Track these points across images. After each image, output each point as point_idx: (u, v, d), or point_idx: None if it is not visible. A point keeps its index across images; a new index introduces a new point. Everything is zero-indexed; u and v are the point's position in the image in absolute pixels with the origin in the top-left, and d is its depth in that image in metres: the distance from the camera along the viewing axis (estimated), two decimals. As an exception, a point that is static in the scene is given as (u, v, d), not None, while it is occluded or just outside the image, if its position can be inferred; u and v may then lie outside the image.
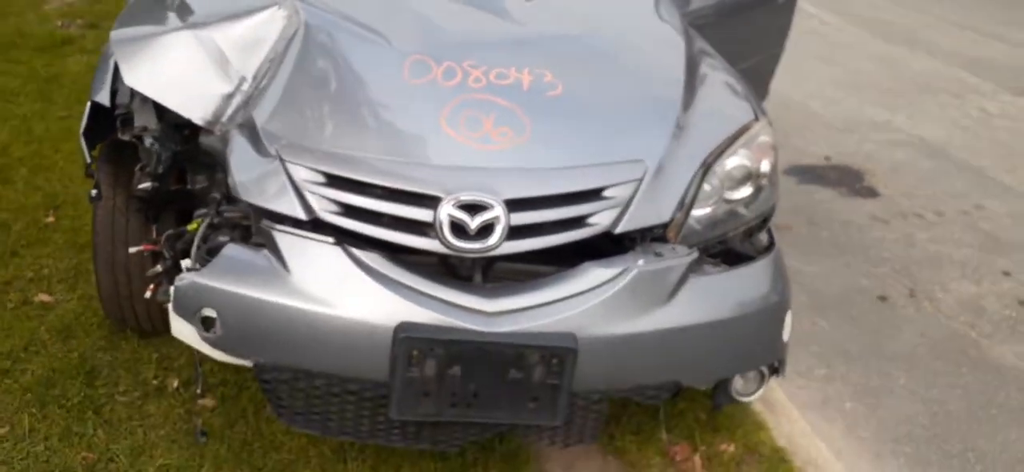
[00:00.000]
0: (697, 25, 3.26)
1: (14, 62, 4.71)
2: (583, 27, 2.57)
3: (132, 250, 2.22)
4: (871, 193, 4.42)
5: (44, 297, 2.77)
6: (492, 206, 1.86)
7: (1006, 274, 3.72)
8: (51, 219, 3.24)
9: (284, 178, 1.88)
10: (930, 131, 5.37)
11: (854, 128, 5.32)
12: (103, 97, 2.08)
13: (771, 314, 2.10)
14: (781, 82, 5.88)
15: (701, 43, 2.67)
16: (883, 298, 3.46)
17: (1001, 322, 3.36)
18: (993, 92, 6.28)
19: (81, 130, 2.07)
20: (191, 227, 2.01)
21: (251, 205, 1.92)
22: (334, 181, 1.89)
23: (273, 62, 2.10)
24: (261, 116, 1.98)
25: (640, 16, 2.76)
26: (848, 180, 4.54)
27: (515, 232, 1.88)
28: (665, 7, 2.85)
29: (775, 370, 2.19)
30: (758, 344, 2.10)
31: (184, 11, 2.29)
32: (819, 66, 6.58)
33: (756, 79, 4.12)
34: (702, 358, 2.01)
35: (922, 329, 3.27)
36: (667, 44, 2.56)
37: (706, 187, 2.09)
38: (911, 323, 3.31)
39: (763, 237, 2.26)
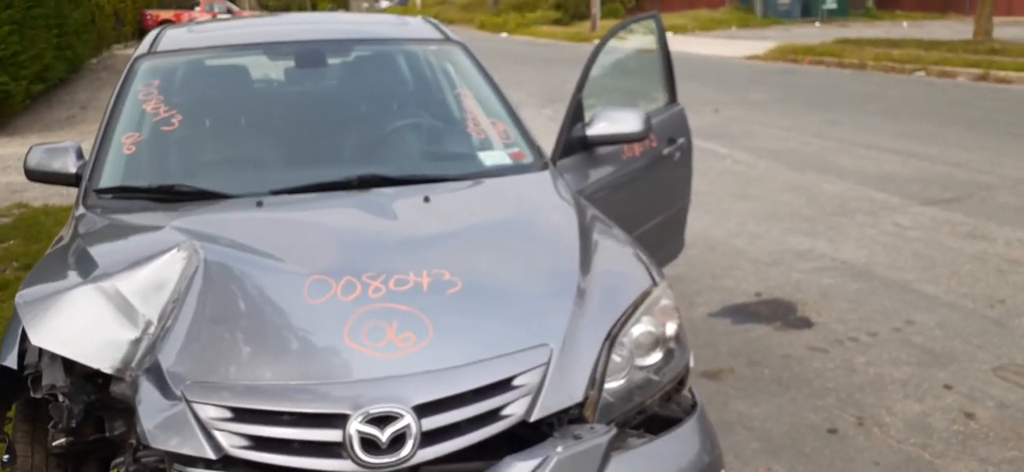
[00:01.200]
0: (599, 196, 3.35)
1: (-59, 311, 4.55)
2: (477, 219, 2.62)
3: None
4: (805, 323, 4.46)
5: None
6: (401, 415, 1.82)
7: (947, 387, 3.74)
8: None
9: (190, 419, 1.83)
10: (851, 253, 5.52)
11: (780, 260, 5.44)
12: (11, 360, 2.04)
13: None
14: (703, 223, 6.07)
15: (593, 211, 2.73)
16: (833, 430, 3.43)
17: (951, 438, 3.34)
18: (903, 205, 6.54)
19: None
20: (109, 479, 1.90)
21: (161, 450, 1.84)
22: (241, 415, 1.84)
23: (177, 303, 2.08)
24: (166, 359, 1.95)
25: (531, 198, 2.82)
26: (781, 313, 4.59)
27: (428, 438, 1.84)
28: (557, 184, 2.93)
29: (718, 533, 2.11)
30: None
31: (87, 265, 2.29)
32: (737, 203, 6.79)
33: (670, 231, 4.23)
34: None
35: (875, 458, 3.23)
36: (561, 219, 2.61)
37: (616, 358, 2.09)
38: (864, 453, 3.27)
39: (686, 395, 2.24)
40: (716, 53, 20.08)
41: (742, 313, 4.62)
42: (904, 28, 25.41)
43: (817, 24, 27.84)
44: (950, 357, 4.01)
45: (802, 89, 13.78)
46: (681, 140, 4.14)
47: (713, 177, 7.59)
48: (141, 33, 30.94)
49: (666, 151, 3.99)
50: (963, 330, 4.29)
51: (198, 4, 36.51)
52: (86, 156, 3.03)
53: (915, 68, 15.36)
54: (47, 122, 11.56)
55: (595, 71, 3.86)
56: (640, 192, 3.82)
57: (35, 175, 3.06)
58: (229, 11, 35.72)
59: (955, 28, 23.28)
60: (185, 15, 31.79)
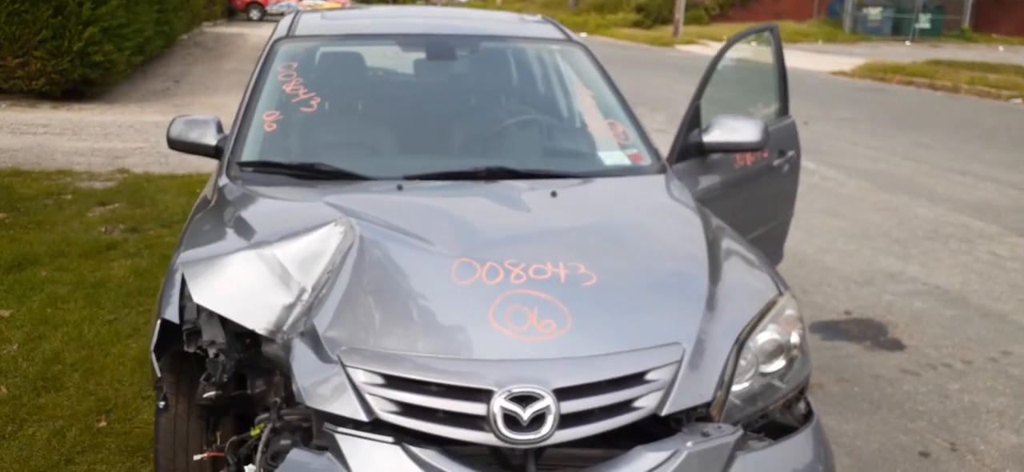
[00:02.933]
0: (708, 200, 3.41)
1: (62, 269, 4.86)
2: (604, 216, 2.70)
3: (196, 458, 2.25)
4: (897, 345, 4.44)
5: None
6: (543, 396, 1.92)
7: (1045, 421, 3.69)
8: (103, 423, 3.29)
9: (345, 381, 1.95)
10: (945, 279, 5.44)
11: (870, 280, 5.39)
12: (172, 314, 2.17)
13: None
14: (793, 238, 6.03)
15: (716, 220, 2.80)
16: (925, 453, 3.43)
17: (1049, 472, 3.31)
18: (999, 235, 6.40)
19: (152, 346, 2.15)
20: (254, 432, 2.06)
21: (314, 409, 1.97)
22: (392, 382, 1.95)
23: (331, 273, 2.21)
24: (322, 324, 2.07)
25: (655, 200, 2.90)
26: (871, 333, 4.57)
27: (565, 420, 1.93)
28: (676, 188, 2.99)
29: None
30: None
31: (245, 231, 2.45)
32: (827, 220, 6.73)
33: (770, 243, 4.25)
34: None
35: (970, 484, 3.22)
36: (685, 225, 2.68)
37: (742, 363, 2.16)
38: (958, 479, 3.26)
39: (801, 406, 2.30)
40: (802, 66, 19.75)
41: (832, 330, 4.61)
42: (1000, 52, 24.57)
43: (908, 43, 27.13)
44: (1049, 392, 3.95)
45: (892, 109, 13.49)
46: (791, 153, 4.16)
47: (802, 192, 7.47)
48: (230, 13, 31.82)
49: (776, 163, 4.02)
50: (1063, 366, 4.22)
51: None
52: (225, 130, 3.21)
53: (1012, 95, 14.88)
54: (144, 93, 12.05)
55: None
56: (747, 201, 3.85)
57: (176, 144, 3.24)
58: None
59: (1055, 56, 22.44)
60: (277, -6, 32.51)
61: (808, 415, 2.28)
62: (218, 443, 2.26)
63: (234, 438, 2.14)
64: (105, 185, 6.85)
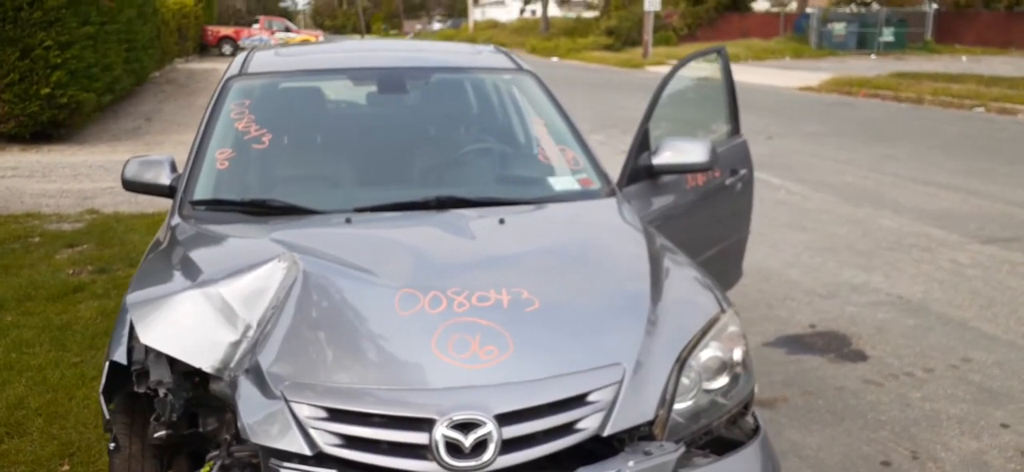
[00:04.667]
0: (662, 223, 3.46)
1: (28, 313, 4.83)
2: (550, 241, 2.74)
3: None
4: (860, 356, 4.50)
5: None
6: (484, 423, 1.95)
7: (1004, 426, 3.75)
8: (66, 468, 3.28)
9: (288, 416, 1.98)
10: (908, 288, 5.52)
11: (835, 293, 5.47)
12: (120, 356, 2.20)
13: None
14: (758, 253, 6.12)
15: (662, 240, 2.84)
16: (886, 463, 3.47)
17: (1007, 476, 3.36)
18: (960, 243, 6.51)
19: (101, 389, 2.16)
20: (203, 471, 2.06)
21: (259, 445, 1.98)
22: (335, 415, 1.98)
23: (276, 309, 2.24)
24: (266, 360, 2.10)
25: (601, 223, 2.94)
26: (835, 345, 4.63)
27: (508, 445, 1.95)
28: (624, 210, 3.04)
29: (780, 556, 2.19)
30: None
31: (192, 271, 2.47)
32: (792, 234, 6.82)
33: (728, 261, 4.31)
34: None
35: (930, 491, 3.27)
36: (630, 246, 2.73)
37: (684, 381, 2.19)
38: (919, 486, 3.30)
39: (749, 421, 2.33)
40: (769, 83, 20.02)
41: (796, 344, 4.67)
42: (963, 63, 25.03)
43: (873, 56, 27.56)
44: (1008, 396, 4.02)
45: (857, 122, 13.69)
46: (743, 171, 4.23)
47: (768, 207, 7.63)
48: (202, 48, 31.82)
49: (728, 181, 4.08)
50: (1022, 370, 4.29)
51: (257, 22, 37.47)
52: (179, 169, 3.23)
53: (975, 104, 15.17)
54: (115, 132, 12.00)
55: (661, 100, 3.97)
56: (701, 221, 3.91)
57: (131, 185, 3.26)
58: (287, 29, 36.58)
59: (1017, 63, 22.89)
60: (244, 32, 32.62)
61: (755, 430, 2.32)
62: (169, 482, 2.25)
63: None
64: (74, 226, 6.81)
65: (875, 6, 32.58)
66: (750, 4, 37.87)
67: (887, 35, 29.18)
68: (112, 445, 2.26)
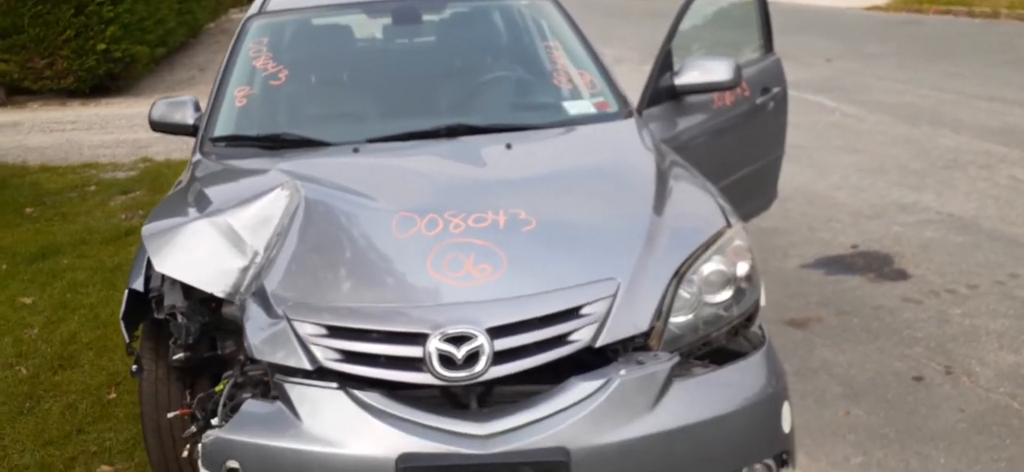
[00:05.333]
0: (689, 145, 3.41)
1: (83, 257, 5.07)
2: (556, 163, 2.76)
3: (170, 415, 2.38)
4: (901, 275, 4.39)
5: (105, 468, 2.99)
6: (475, 336, 2.00)
7: (1046, 340, 3.64)
8: (113, 395, 3.48)
9: (291, 335, 2.07)
10: (960, 206, 5.34)
11: (881, 213, 5.32)
12: (137, 284, 2.33)
13: (766, 408, 2.14)
14: (804, 176, 5.99)
15: (673, 157, 2.81)
16: (919, 378, 3.41)
17: (1045, 389, 3.27)
18: (1022, 159, 6.24)
19: (120, 314, 2.29)
20: (219, 388, 2.19)
21: (265, 362, 2.08)
22: (334, 332, 2.06)
23: (280, 234, 2.32)
24: (271, 282, 2.19)
25: (612, 144, 2.92)
26: (876, 265, 4.53)
27: (500, 357, 2.01)
28: (640, 131, 3.00)
29: (783, 462, 2.20)
30: (755, 439, 2.14)
31: (203, 202, 2.57)
32: (843, 156, 6.63)
33: (762, 182, 4.23)
34: (699, 458, 2.05)
35: (961, 405, 3.21)
36: (636, 163, 2.72)
37: (684, 294, 2.19)
38: (949, 400, 3.24)
39: (756, 331, 2.32)
40: (834, 4, 19.27)
41: (836, 264, 4.58)
42: (1045, -27, 23.64)
43: (947, -29, 26.20)
44: (1053, 311, 3.89)
45: (924, 41, 13.11)
46: (776, 90, 4.12)
47: (819, 131, 7.42)
48: (260, -3, 32.20)
49: (759, 100, 3.99)
50: (1072, 284, 4.14)
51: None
52: (202, 109, 3.32)
53: (1054, 16, 14.35)
54: (169, 84, 12.29)
55: (695, 22, 3.88)
56: (731, 142, 3.84)
57: (157, 126, 3.38)
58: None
59: (1104, -29, 21.50)
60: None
61: (760, 341, 2.31)
62: (190, 401, 2.38)
63: (201, 394, 2.27)
64: (128, 174, 7.06)
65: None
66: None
67: (963, -52, 27.68)
68: (135, 367, 2.40)
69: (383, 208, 2.43)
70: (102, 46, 10.50)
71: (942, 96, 8.66)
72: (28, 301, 4.48)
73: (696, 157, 3.12)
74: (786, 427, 2.19)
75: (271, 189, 2.45)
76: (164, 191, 6.42)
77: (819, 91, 8.98)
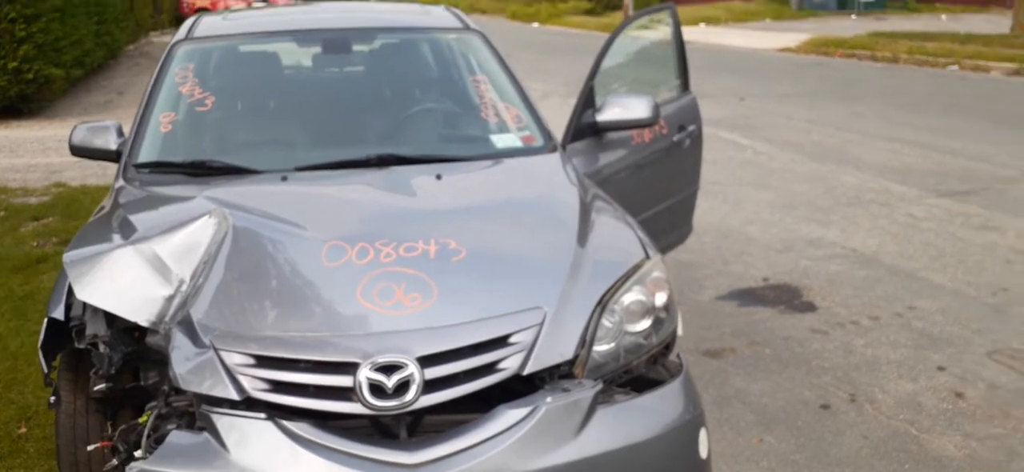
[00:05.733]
0: (609, 180, 3.53)
1: (-9, 285, 4.87)
2: (484, 195, 2.84)
3: (90, 448, 2.34)
4: (809, 307, 4.61)
5: None
6: (406, 365, 2.04)
7: (941, 369, 3.87)
8: (23, 430, 3.36)
9: (218, 365, 2.06)
10: (862, 242, 5.63)
11: (790, 247, 5.57)
12: (58, 313, 2.28)
13: (684, 433, 2.24)
14: (719, 212, 6.22)
15: (595, 190, 2.92)
16: (825, 406, 3.59)
17: (939, 416, 3.49)
18: (918, 197, 6.63)
19: (39, 344, 2.24)
20: (142, 420, 2.16)
21: (192, 393, 2.07)
22: (262, 361, 2.07)
23: (207, 263, 2.32)
24: (197, 312, 2.18)
25: (538, 177, 3.02)
26: (786, 297, 4.74)
27: (430, 386, 2.05)
28: (563, 165, 3.11)
29: (699, 488, 2.29)
30: (674, 464, 2.23)
31: (127, 229, 2.54)
32: (755, 192, 6.91)
33: (678, 216, 4.40)
34: None
35: (864, 432, 3.39)
36: (561, 197, 2.81)
37: (606, 323, 2.28)
38: (853, 427, 3.42)
39: (674, 360, 2.42)
40: (749, 45, 20.02)
41: (748, 296, 4.77)
42: (942, 21, 25.09)
43: (853, 17, 27.55)
44: (947, 341, 4.14)
45: (831, 82, 13.76)
46: (692, 127, 4.29)
47: (733, 168, 7.72)
48: (178, 20, 31.47)
49: (676, 138, 4.15)
50: (963, 316, 4.41)
51: (236, -7, 37.00)
52: (126, 134, 3.28)
53: (949, 62, 15.24)
54: (85, 106, 11.92)
55: (617, 60, 4.02)
56: (649, 177, 3.99)
57: (78, 150, 3.31)
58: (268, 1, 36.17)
59: (995, 22, 22.95)
60: (221, 3, 32.26)
61: (678, 369, 2.41)
62: (110, 433, 2.34)
63: (123, 426, 2.23)
64: (40, 199, 6.83)
65: (855, -34, 32.53)
66: (731, -33, 37.66)
67: (867, -5, 29.14)
68: (53, 399, 2.35)
69: (313, 237, 2.44)
70: (13, 65, 10.14)
71: (847, 136, 9.12)
72: (-69, 331, 4.29)
73: (616, 191, 3.24)
74: (703, 453, 2.29)
75: (198, 216, 2.44)
76: (79, 217, 6.24)
77: (733, 129, 9.34)
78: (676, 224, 4.37)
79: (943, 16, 27.37)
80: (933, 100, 11.53)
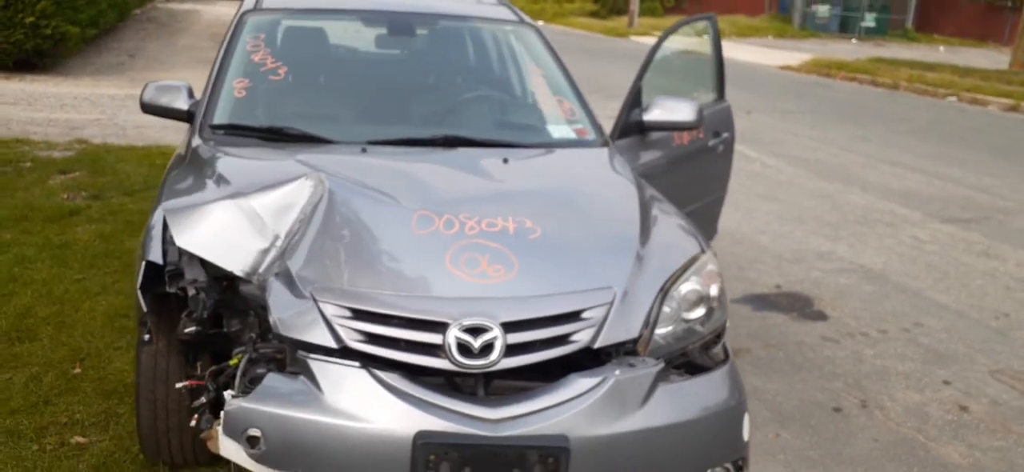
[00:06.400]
0: (648, 175, 3.71)
1: (27, 232, 4.99)
2: (550, 181, 3.02)
3: (178, 386, 2.48)
4: (821, 316, 4.80)
5: (79, 439, 3.01)
6: (491, 328, 2.21)
7: (946, 383, 4.08)
8: (78, 370, 3.49)
9: (317, 314, 2.22)
10: (870, 259, 5.84)
11: (801, 258, 5.77)
12: (156, 256, 2.41)
13: (731, 416, 2.43)
14: (732, 218, 6.41)
15: (651, 190, 3.11)
16: (838, 409, 3.78)
17: (945, 426, 3.69)
18: (922, 221, 6.85)
19: (137, 285, 2.38)
20: (232, 362, 2.30)
21: (288, 339, 2.23)
22: (359, 314, 2.23)
23: (303, 222, 2.48)
24: (296, 265, 2.34)
25: (596, 170, 3.20)
26: (798, 305, 4.93)
27: (511, 350, 2.23)
28: (617, 161, 3.30)
29: (740, 468, 2.48)
30: (721, 443, 2.42)
31: (222, 184, 2.69)
32: (765, 203, 7.11)
33: (705, 218, 4.58)
34: (675, 456, 2.31)
35: (875, 435, 3.58)
36: (623, 191, 3.00)
37: (666, 309, 2.47)
38: (864, 430, 3.62)
39: (719, 351, 2.61)
40: (752, 60, 20.27)
41: (762, 302, 4.97)
42: (940, 53, 25.45)
43: (854, 41, 27.90)
44: (952, 358, 4.35)
45: (834, 103, 14.01)
46: (725, 134, 4.48)
47: (743, 177, 7.89)
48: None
49: (711, 143, 4.33)
50: (967, 336, 4.62)
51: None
52: (197, 96, 3.42)
53: (948, 93, 15.54)
54: (98, 66, 11.98)
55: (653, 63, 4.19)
56: (684, 178, 4.17)
57: (149, 108, 3.44)
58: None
59: (992, 57, 23.33)
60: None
61: (725, 358, 2.60)
62: (198, 373, 2.48)
63: (213, 367, 2.38)
64: (64, 154, 6.92)
65: (858, -9, 32.88)
66: (736, -19, 37.95)
67: (869, 20, 29.50)
68: (146, 337, 2.48)
69: (403, 205, 2.61)
70: (31, 19, 10.20)
71: (852, 157, 9.34)
72: (-29, 272, 4.41)
73: (654, 187, 3.41)
74: (745, 436, 2.47)
75: (294, 178, 2.59)
76: (105, 174, 6.36)
77: (741, 141, 9.45)
78: (703, 225, 4.54)
79: (941, 47, 27.75)
80: (933, 129, 11.80)
